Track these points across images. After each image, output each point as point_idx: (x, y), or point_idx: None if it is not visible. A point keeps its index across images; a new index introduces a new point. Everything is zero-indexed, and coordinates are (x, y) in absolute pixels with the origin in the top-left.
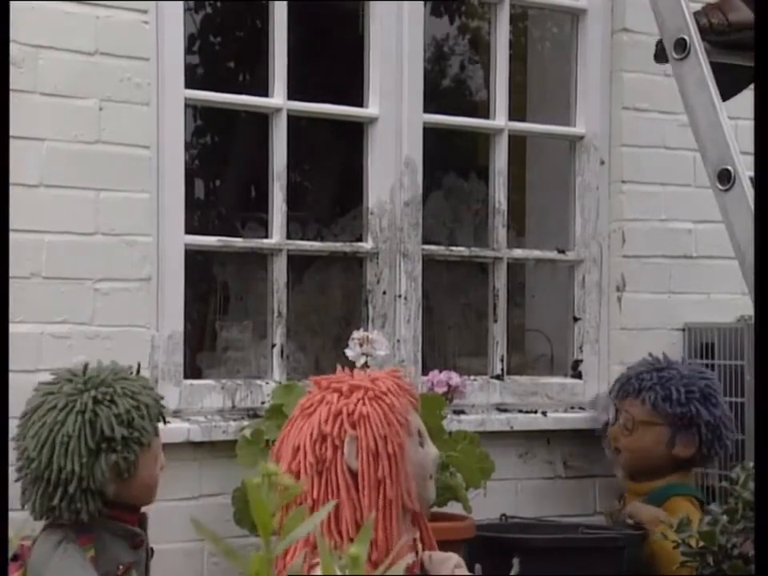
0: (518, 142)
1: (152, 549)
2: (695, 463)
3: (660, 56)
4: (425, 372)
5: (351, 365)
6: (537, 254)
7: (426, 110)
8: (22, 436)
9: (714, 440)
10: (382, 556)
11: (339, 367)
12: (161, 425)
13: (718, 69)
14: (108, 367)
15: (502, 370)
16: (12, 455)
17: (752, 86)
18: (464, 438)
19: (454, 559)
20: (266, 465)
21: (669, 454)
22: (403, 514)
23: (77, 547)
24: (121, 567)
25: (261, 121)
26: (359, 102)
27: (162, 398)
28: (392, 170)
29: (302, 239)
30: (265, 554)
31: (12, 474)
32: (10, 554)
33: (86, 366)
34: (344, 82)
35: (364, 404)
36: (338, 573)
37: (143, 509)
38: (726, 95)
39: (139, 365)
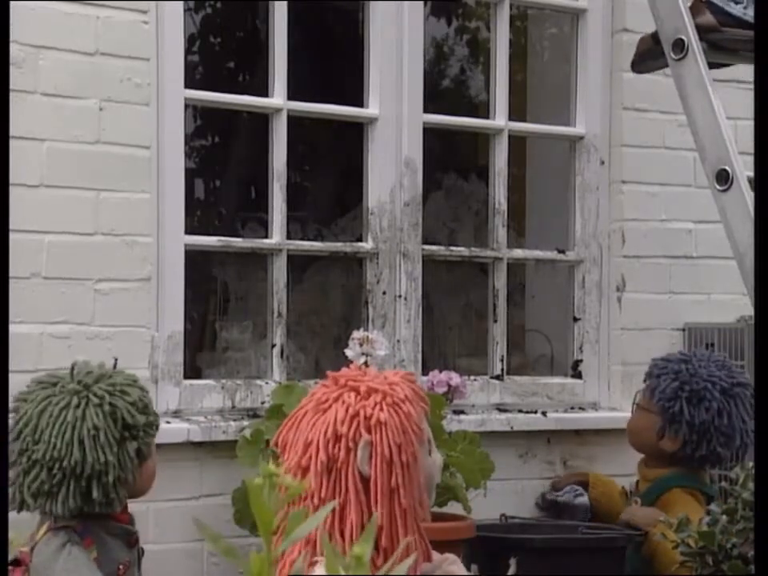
0: (517, 142)
1: (142, 548)
2: (687, 460)
3: (637, 64)
4: (425, 372)
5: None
6: (537, 254)
7: (426, 110)
8: (34, 441)
9: (701, 443)
10: None
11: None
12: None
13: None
14: (90, 366)
15: (502, 370)
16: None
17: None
18: (464, 438)
19: (449, 560)
20: (266, 466)
21: (657, 444)
22: (413, 523)
23: (82, 549)
24: (121, 567)
25: (261, 121)
26: (359, 102)
27: (147, 391)
28: (392, 170)
29: (302, 239)
30: (266, 554)
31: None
32: (10, 557)
33: (73, 367)
34: (344, 82)
35: (382, 409)
36: (342, 573)
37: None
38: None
39: (116, 360)
